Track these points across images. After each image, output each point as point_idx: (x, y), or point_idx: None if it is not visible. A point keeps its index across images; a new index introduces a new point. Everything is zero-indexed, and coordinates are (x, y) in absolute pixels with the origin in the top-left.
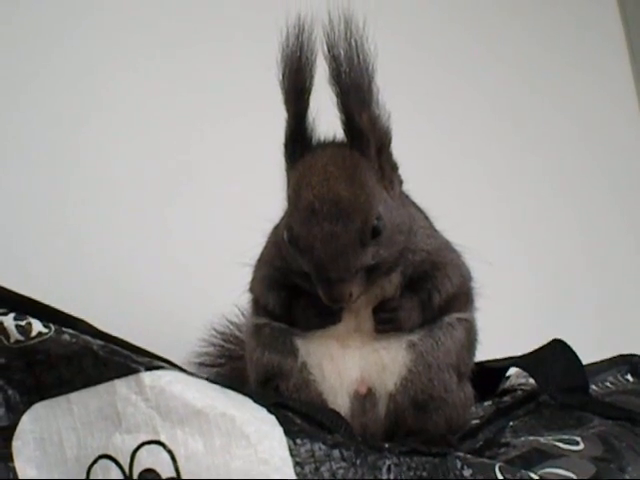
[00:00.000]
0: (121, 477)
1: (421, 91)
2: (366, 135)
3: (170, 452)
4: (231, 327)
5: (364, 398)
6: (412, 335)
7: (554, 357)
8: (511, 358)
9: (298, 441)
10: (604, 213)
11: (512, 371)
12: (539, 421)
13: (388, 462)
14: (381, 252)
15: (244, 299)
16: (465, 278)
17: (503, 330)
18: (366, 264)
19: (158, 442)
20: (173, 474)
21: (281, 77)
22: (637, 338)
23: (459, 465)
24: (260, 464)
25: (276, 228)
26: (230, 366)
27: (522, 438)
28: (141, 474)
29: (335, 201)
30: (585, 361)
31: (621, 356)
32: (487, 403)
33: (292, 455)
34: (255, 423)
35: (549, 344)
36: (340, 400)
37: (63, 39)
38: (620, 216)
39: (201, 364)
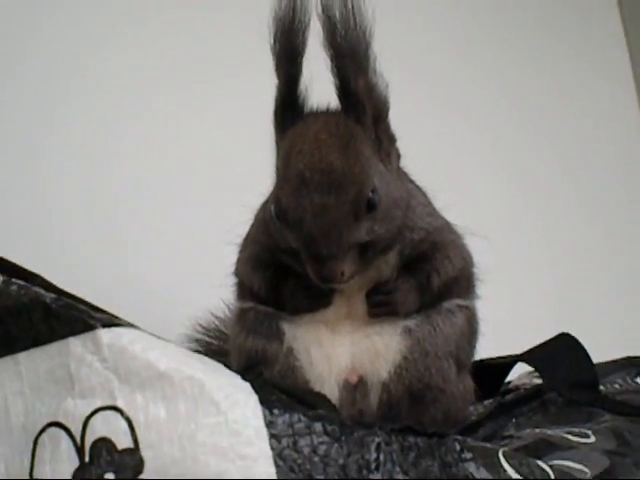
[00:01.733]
0: (72, 448)
1: (420, 66)
2: (362, 101)
3: (128, 419)
4: (216, 323)
5: (355, 388)
6: (408, 320)
7: (561, 352)
8: (513, 356)
9: (275, 411)
10: (615, 204)
11: (514, 375)
12: (545, 417)
13: (377, 440)
14: (376, 228)
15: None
16: (467, 261)
17: (507, 324)
18: (359, 240)
19: (115, 408)
20: (130, 444)
21: (272, 40)
22: None
23: (458, 448)
24: (231, 435)
25: (264, 204)
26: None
27: (527, 430)
28: (94, 444)
29: (327, 171)
30: (594, 359)
31: (629, 358)
32: (488, 401)
33: (267, 426)
34: (227, 389)
35: (556, 338)
36: (328, 389)
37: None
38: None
39: None
